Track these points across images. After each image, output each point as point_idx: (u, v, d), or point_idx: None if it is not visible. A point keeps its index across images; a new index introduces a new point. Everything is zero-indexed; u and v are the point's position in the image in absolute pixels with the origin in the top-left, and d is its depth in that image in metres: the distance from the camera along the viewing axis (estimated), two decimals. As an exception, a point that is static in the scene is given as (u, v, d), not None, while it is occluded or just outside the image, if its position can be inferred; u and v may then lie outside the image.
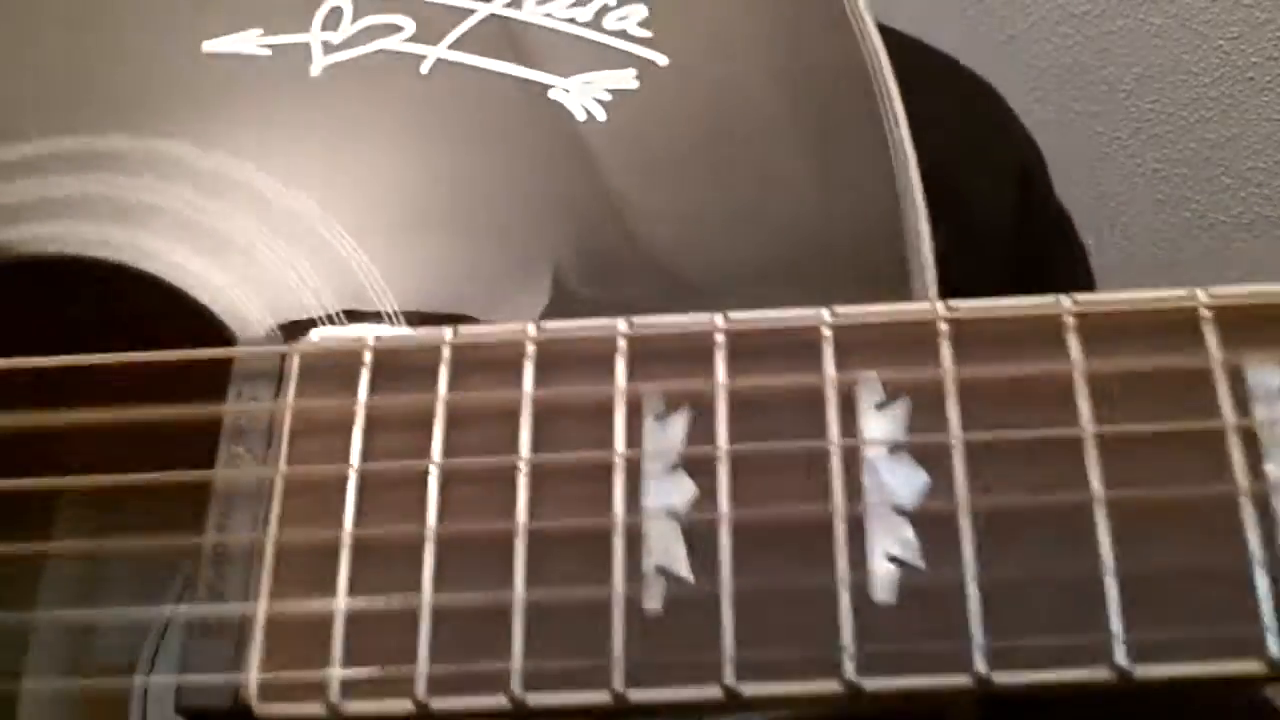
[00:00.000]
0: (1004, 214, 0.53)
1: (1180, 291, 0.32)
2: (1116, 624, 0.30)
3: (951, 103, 0.56)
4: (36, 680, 0.43)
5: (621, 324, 0.34)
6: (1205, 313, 0.32)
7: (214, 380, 0.35)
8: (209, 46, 0.42)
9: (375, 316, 0.37)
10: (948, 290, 0.38)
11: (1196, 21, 0.86)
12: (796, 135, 0.38)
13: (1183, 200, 0.91)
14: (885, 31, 0.54)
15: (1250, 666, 0.29)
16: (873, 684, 0.30)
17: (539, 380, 0.34)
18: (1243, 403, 0.31)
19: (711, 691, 0.30)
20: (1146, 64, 0.87)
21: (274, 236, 0.38)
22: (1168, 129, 0.89)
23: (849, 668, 0.30)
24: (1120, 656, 0.29)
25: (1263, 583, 0.30)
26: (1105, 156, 0.91)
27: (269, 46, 0.41)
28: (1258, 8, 0.85)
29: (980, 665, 0.30)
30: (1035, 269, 0.54)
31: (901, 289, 0.35)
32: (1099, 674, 0.29)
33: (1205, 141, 0.88)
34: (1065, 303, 0.33)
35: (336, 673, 0.32)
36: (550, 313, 0.36)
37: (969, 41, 0.90)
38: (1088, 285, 0.58)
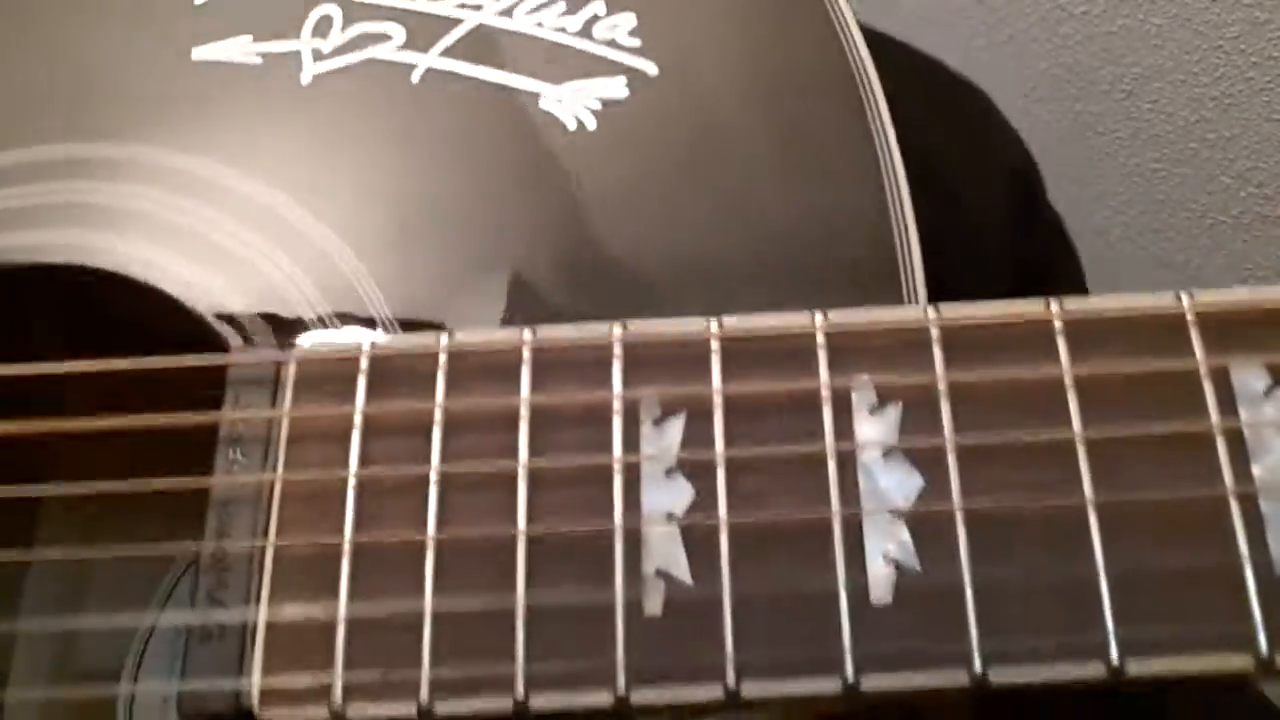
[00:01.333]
0: (998, 211, 0.54)
1: (1167, 296, 0.33)
2: (1109, 622, 0.30)
3: (938, 103, 0.56)
4: (21, 688, 0.43)
5: (617, 329, 0.34)
6: (1191, 317, 0.33)
7: (207, 387, 0.35)
8: (199, 54, 0.42)
9: (369, 322, 0.37)
10: (939, 283, 0.38)
11: (1196, 21, 0.85)
12: (785, 141, 0.38)
13: (1183, 200, 0.91)
14: (871, 34, 0.54)
15: (1241, 662, 0.30)
16: (871, 683, 0.30)
17: (535, 386, 0.34)
18: (1229, 405, 0.32)
19: (713, 692, 0.31)
20: (1146, 64, 0.87)
21: (268, 244, 0.38)
22: (1168, 129, 0.88)
23: (848, 667, 0.30)
24: (1114, 654, 0.30)
25: (1253, 581, 0.30)
26: (1105, 156, 0.90)
27: (259, 54, 0.41)
28: (1258, 8, 0.84)
29: (977, 664, 0.30)
30: (1038, 274, 0.54)
31: (891, 289, 0.36)
32: (1093, 671, 0.30)
33: (1205, 141, 0.88)
34: (1054, 307, 0.33)
35: (339, 676, 0.32)
36: (542, 320, 0.36)
37: (969, 41, 0.89)
38: (1082, 289, 0.58)
